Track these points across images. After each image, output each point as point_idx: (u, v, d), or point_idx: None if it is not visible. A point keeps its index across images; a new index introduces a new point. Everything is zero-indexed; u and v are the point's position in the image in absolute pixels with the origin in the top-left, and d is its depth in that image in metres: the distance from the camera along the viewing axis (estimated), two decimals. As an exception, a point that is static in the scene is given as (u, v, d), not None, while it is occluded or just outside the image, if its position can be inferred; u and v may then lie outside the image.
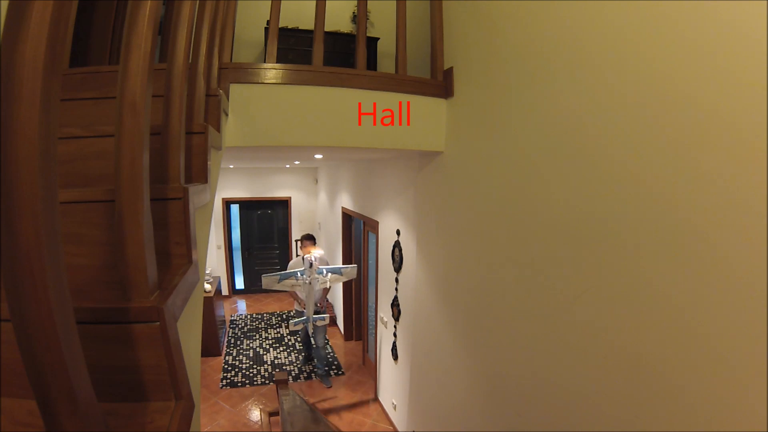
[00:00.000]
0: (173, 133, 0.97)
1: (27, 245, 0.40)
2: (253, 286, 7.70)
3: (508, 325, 1.81)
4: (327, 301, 5.23)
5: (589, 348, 1.34)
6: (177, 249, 0.89)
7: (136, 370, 0.67)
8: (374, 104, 2.08)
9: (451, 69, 2.20)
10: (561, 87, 1.43)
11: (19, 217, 0.40)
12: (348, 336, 5.62)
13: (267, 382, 4.57)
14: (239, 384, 4.52)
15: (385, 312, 3.78)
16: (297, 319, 3.80)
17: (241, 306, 7.13)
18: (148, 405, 0.66)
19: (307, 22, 2.77)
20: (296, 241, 7.45)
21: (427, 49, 2.37)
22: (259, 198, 7.37)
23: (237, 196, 7.24)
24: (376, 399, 4.19)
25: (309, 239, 4.34)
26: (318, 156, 3.80)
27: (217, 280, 5.68)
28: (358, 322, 5.41)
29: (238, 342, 5.59)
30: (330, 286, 4.07)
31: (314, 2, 2.06)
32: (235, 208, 7.44)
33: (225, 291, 7.19)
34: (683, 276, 1.02)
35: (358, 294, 5.27)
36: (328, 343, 5.45)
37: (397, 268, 3.34)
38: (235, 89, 1.86)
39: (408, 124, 2.17)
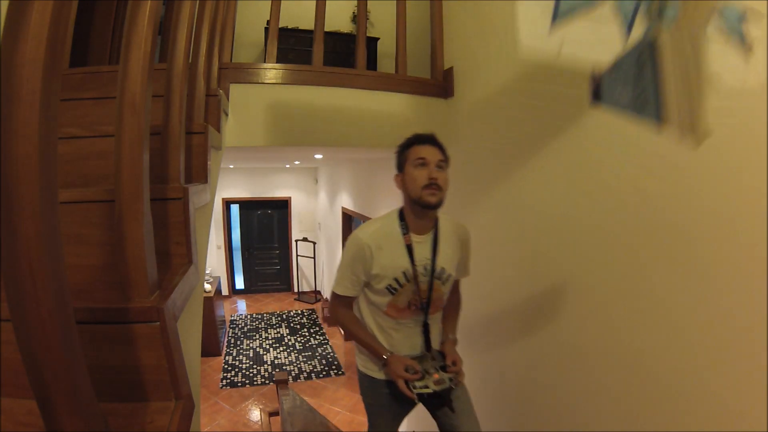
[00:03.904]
0: (173, 133, 0.97)
1: (27, 245, 0.40)
2: (253, 286, 7.70)
3: (507, 325, 1.81)
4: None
5: (588, 348, 1.34)
6: (177, 249, 0.89)
7: (136, 370, 0.66)
8: (374, 104, 2.08)
9: (451, 69, 2.20)
10: (560, 86, 1.43)
11: (19, 217, 0.40)
12: (348, 336, 5.61)
13: (267, 382, 4.57)
14: (239, 384, 4.52)
15: (385, 312, 3.78)
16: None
17: (241, 306, 7.13)
18: (148, 405, 0.66)
19: (307, 22, 2.77)
20: (296, 241, 7.45)
21: (427, 49, 2.37)
22: (259, 198, 7.37)
23: (237, 196, 7.24)
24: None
25: (424, 144, 1.41)
26: (318, 156, 3.80)
27: (217, 280, 5.69)
28: (358, 322, 5.40)
29: (238, 342, 5.59)
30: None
31: (314, 2, 2.06)
32: (235, 208, 7.45)
33: (225, 291, 7.19)
34: (681, 274, 1.02)
35: (358, 294, 5.27)
36: None
37: (397, 268, 3.33)
38: (235, 89, 1.86)
39: (408, 124, 2.17)
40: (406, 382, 1.30)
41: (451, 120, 2.22)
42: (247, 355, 5.20)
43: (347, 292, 1.38)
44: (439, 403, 1.35)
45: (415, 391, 1.29)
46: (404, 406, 1.47)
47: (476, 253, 2.01)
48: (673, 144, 1.04)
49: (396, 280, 1.33)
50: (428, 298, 1.36)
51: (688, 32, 0.86)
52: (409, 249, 1.33)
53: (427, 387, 1.31)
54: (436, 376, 1.33)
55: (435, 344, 1.44)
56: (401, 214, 1.37)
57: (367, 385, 1.53)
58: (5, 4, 0.40)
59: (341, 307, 1.43)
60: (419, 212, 1.31)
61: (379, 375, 1.45)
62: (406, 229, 1.34)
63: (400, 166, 1.37)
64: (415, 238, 1.34)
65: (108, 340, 0.66)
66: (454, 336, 1.47)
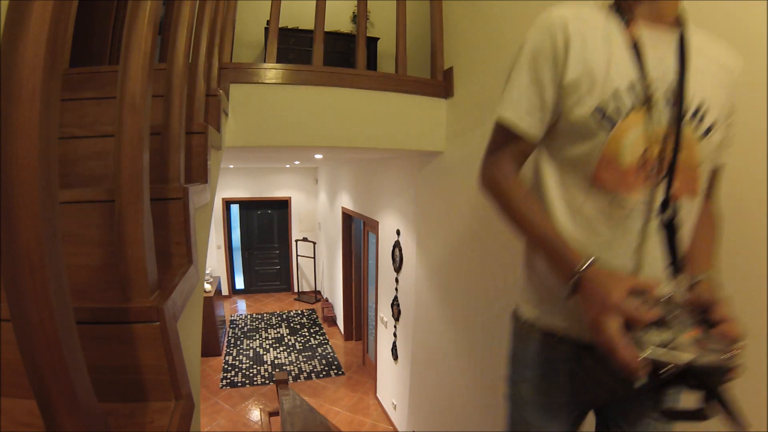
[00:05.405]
0: (173, 133, 0.97)
1: (27, 245, 0.40)
2: (253, 286, 7.71)
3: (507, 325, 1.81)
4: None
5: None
6: (177, 249, 0.89)
7: (136, 370, 0.66)
8: (374, 104, 2.09)
9: (451, 69, 2.20)
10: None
11: (19, 217, 0.40)
12: (348, 336, 5.62)
13: (267, 382, 4.58)
14: (239, 384, 4.53)
15: (385, 312, 3.78)
16: None
17: (241, 306, 7.13)
18: (148, 405, 0.66)
19: (307, 22, 2.77)
20: (296, 241, 7.46)
21: (427, 49, 2.37)
22: (259, 198, 7.38)
23: (237, 196, 7.25)
24: (375, 399, 4.19)
25: None
26: (318, 156, 3.81)
27: (217, 280, 5.69)
28: (358, 322, 5.41)
29: (238, 342, 5.60)
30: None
31: (314, 2, 2.06)
32: (235, 208, 7.45)
33: (225, 291, 7.19)
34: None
35: (358, 294, 5.28)
36: None
37: (397, 268, 3.34)
38: (235, 89, 1.86)
39: (408, 124, 2.17)
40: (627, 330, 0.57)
41: (451, 120, 2.22)
42: (247, 355, 5.21)
43: (522, 122, 0.73)
44: (690, 399, 0.59)
45: (646, 353, 0.55)
46: (588, 396, 0.77)
47: (476, 252, 2.00)
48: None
49: (615, 96, 0.66)
50: (674, 152, 0.66)
51: None
52: (636, 49, 0.67)
53: (675, 349, 0.55)
54: (694, 332, 0.58)
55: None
56: None
57: (520, 346, 0.84)
58: (5, 4, 0.40)
59: (505, 159, 0.77)
60: None
61: (551, 320, 0.76)
62: (628, 15, 0.69)
63: None
64: (646, 32, 0.68)
65: (108, 340, 0.66)
66: (715, 275, 0.71)
